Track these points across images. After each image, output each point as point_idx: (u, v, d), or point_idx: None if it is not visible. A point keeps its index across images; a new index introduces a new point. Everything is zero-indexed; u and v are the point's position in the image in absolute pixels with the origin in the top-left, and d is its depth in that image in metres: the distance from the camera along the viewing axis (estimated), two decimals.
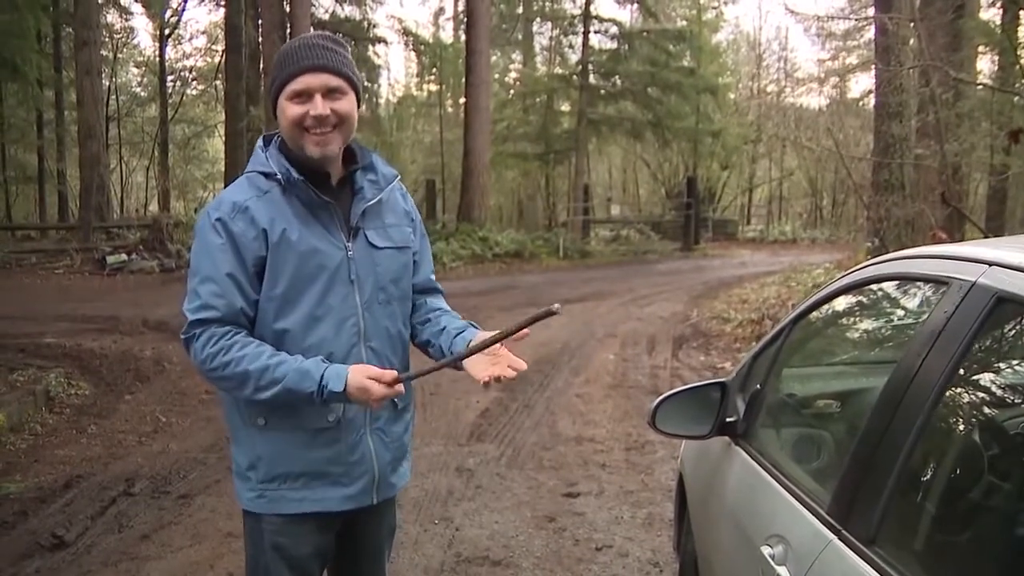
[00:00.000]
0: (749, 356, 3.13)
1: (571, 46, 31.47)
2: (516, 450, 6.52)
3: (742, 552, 2.46)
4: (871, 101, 26.78)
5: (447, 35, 36.66)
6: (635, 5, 30.31)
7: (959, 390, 1.77)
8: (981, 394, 1.81)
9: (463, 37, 27.68)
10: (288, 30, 21.47)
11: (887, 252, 11.34)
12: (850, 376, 2.86)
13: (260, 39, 23.08)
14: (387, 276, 2.48)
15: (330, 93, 2.33)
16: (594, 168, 38.40)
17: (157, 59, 35.39)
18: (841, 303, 2.75)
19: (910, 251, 2.28)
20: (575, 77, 29.51)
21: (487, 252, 22.98)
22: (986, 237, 11.77)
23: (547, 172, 33.30)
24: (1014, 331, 1.73)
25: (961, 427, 1.81)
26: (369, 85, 30.69)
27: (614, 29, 29.47)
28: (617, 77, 29.40)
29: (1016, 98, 12.21)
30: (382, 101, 34.54)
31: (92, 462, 6.35)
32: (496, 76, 33.13)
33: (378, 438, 2.49)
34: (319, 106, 2.30)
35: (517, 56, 36.55)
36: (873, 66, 18.15)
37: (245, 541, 2.55)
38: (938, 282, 1.94)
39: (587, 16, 28.89)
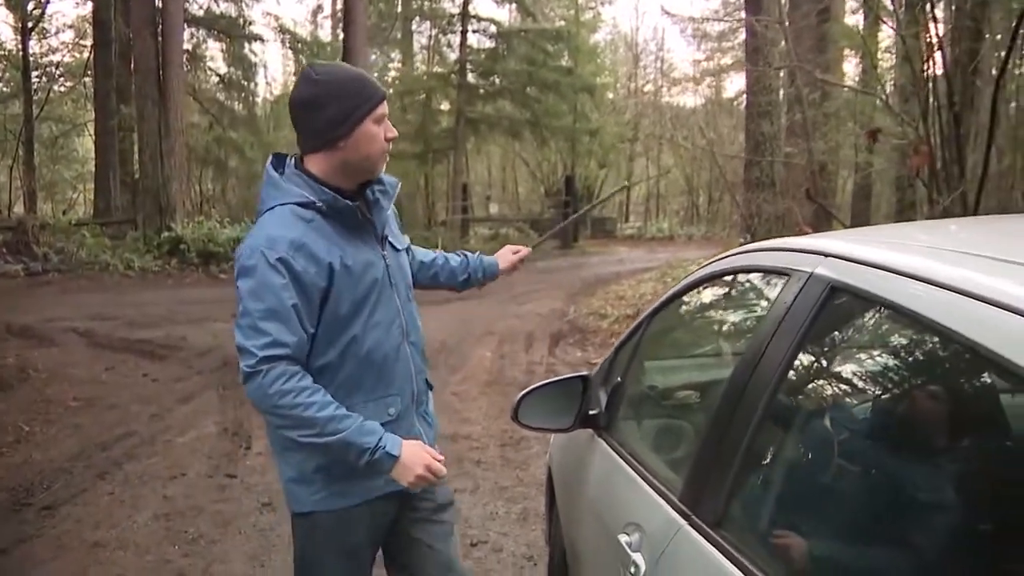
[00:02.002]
0: (612, 350, 3.19)
1: (450, 45, 31.41)
2: None
3: (603, 541, 2.50)
4: (744, 101, 27.44)
5: (325, 33, 36.23)
6: (513, 5, 30.44)
7: (796, 377, 1.84)
8: (817, 380, 1.88)
9: (341, 36, 27.34)
10: (159, 26, 20.91)
11: None
12: (704, 367, 2.93)
13: (131, 35, 22.36)
14: (407, 275, 2.75)
15: None
16: (473, 167, 38.48)
17: (20, 53, 33.95)
18: (696, 296, 2.83)
19: (758, 244, 2.34)
20: (454, 76, 29.46)
21: None
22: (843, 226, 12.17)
23: (426, 171, 33.13)
24: (845, 318, 1.80)
25: (797, 413, 1.88)
26: (245, 84, 30.14)
27: (492, 28, 29.53)
28: (495, 76, 29.43)
29: (877, 100, 12.68)
30: (259, 100, 33.91)
31: None
32: (375, 75, 32.87)
33: (423, 419, 2.74)
34: (393, 129, 2.54)
35: (396, 55, 36.31)
36: (744, 67, 18.66)
37: (295, 544, 2.69)
38: (781, 273, 2.00)
39: (465, 15, 28.82)
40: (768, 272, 2.21)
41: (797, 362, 1.79)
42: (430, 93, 30.71)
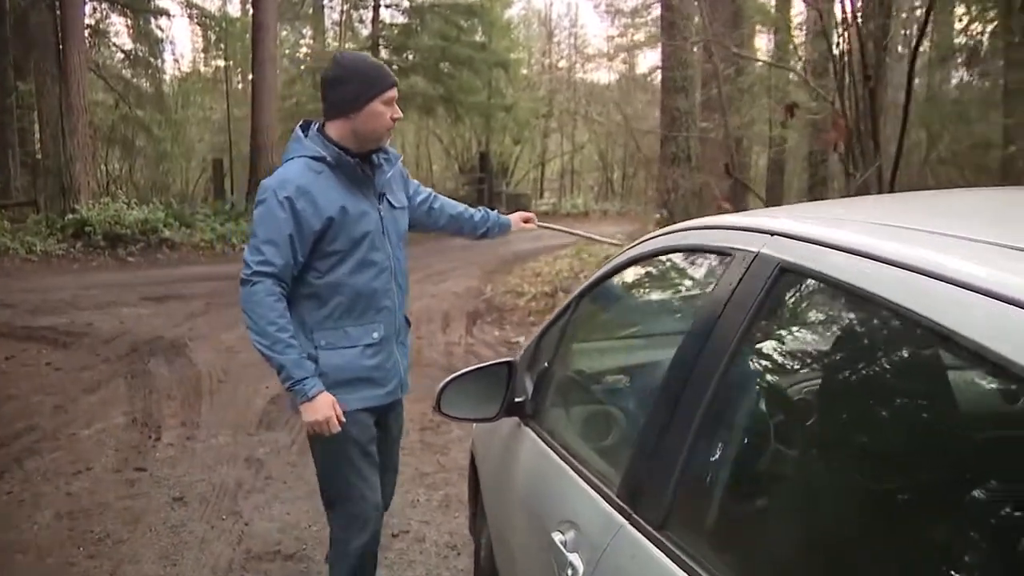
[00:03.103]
0: (536, 334, 3.05)
1: (362, 21, 30.91)
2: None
3: (534, 538, 2.37)
4: (658, 76, 27.60)
5: (234, 9, 35.31)
6: None
7: (745, 363, 1.71)
8: (767, 364, 1.76)
9: (251, 11, 26.65)
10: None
11: (675, 223, 11.62)
12: (639, 351, 2.80)
13: (25, 8, 21.49)
14: (401, 227, 3.41)
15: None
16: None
17: None
18: (628, 276, 2.68)
19: (695, 222, 2.22)
20: (366, 52, 28.99)
21: None
22: (766, 207, 12.27)
23: None
24: (796, 299, 1.68)
25: (748, 401, 1.75)
26: (152, 60, 29.20)
27: (405, 3, 29.13)
28: (409, 52, 29.06)
29: (791, 74, 12.75)
30: (166, 77, 32.91)
31: None
32: (286, 52, 32.21)
33: (400, 349, 3.42)
34: (399, 111, 3.23)
35: (307, 31, 35.62)
36: (660, 42, 18.67)
37: (313, 442, 3.31)
38: (722, 253, 1.88)
39: None
40: (707, 252, 2.08)
41: (746, 347, 1.67)
42: None
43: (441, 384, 2.78)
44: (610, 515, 1.89)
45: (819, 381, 1.64)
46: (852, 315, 1.54)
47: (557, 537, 2.06)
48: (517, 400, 2.80)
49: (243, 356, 9.04)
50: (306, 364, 3.09)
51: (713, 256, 2.01)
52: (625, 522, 1.81)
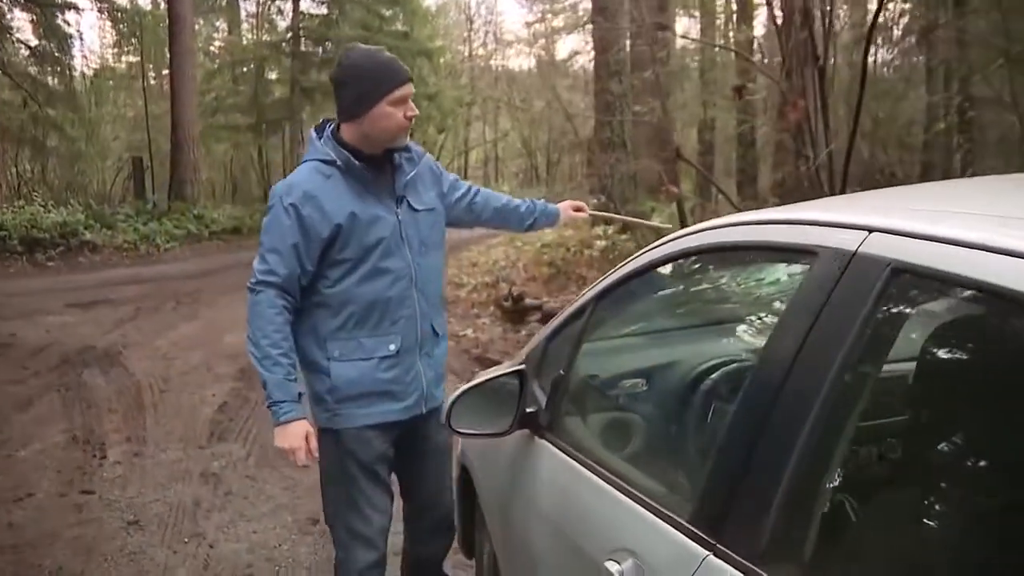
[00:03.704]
0: (541, 338, 2.85)
1: (280, 12, 30.29)
2: (265, 446, 5.90)
3: (571, 563, 2.18)
4: (577, 61, 27.60)
5: (145, 1, 34.37)
6: None
7: (862, 374, 1.52)
8: (890, 378, 1.57)
9: (163, 4, 25.92)
10: None
11: (615, 207, 11.40)
12: (687, 358, 2.58)
13: None
14: (426, 231, 3.13)
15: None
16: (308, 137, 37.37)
17: None
18: (662, 274, 2.48)
19: (745, 216, 2.02)
20: (285, 44, 28.44)
21: (203, 231, 21.70)
22: (718, 191, 12.19)
23: (261, 144, 32.05)
24: (917, 305, 1.50)
25: (868, 416, 1.57)
26: (61, 57, 28.16)
27: None
28: (330, 43, 28.58)
29: (733, 56, 12.73)
30: (76, 74, 31.77)
31: None
32: (201, 45, 31.45)
33: (426, 362, 3.13)
34: (414, 108, 3.01)
35: (221, 24, 34.80)
36: (579, 28, 18.61)
37: (320, 455, 3.03)
38: (800, 251, 1.69)
39: None
40: (774, 249, 1.88)
41: (860, 356, 1.47)
42: (262, 63, 29.53)
43: (451, 399, 2.57)
44: (685, 545, 1.69)
45: (951, 397, 1.47)
46: (993, 323, 1.36)
47: (613, 567, 1.86)
48: (529, 411, 2.60)
49: (180, 363, 8.72)
50: (288, 387, 2.93)
51: (783, 254, 1.82)
52: (708, 553, 1.62)
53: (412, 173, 3.11)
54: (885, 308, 1.45)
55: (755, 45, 18.03)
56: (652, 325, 2.89)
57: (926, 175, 14.02)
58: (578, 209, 3.74)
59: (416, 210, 3.11)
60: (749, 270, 2.12)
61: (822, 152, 7.36)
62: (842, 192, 6.91)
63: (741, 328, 2.13)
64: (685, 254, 2.21)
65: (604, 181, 14.13)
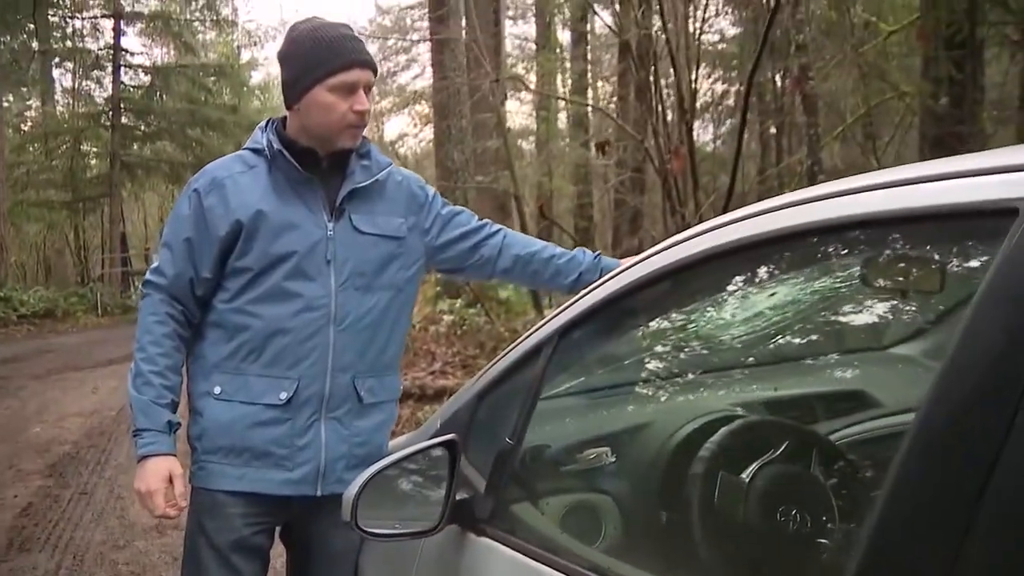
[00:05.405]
0: (468, 396, 2.11)
1: (99, 83, 28.95)
2: (79, 556, 4.98)
3: None
4: (404, 145, 28.08)
5: None
6: (170, 43, 28.73)
7: None
8: None
9: None
10: None
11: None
12: (694, 411, 1.83)
13: None
14: (368, 263, 2.43)
15: (367, 90, 2.40)
16: (130, 216, 35.82)
17: None
18: (653, 298, 1.73)
19: (848, 181, 1.32)
20: (105, 116, 27.18)
21: (11, 314, 20.44)
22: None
23: (77, 222, 30.53)
24: None
25: None
26: None
27: (148, 62, 27.80)
28: (152, 116, 27.54)
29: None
30: None
31: None
32: (10, 120, 29.78)
33: (333, 428, 2.39)
34: (366, 102, 2.38)
35: (33, 101, 33.07)
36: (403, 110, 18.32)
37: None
38: (993, 212, 1.01)
39: (117, 50, 26.79)
40: (938, 218, 1.11)
41: None
42: (78, 136, 28.12)
43: (356, 487, 1.76)
44: None
45: None
46: None
47: None
48: (460, 499, 1.84)
49: None
50: (156, 412, 2.32)
51: (957, 222, 1.10)
52: None
53: (365, 183, 2.45)
54: None
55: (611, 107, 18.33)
56: (639, 371, 2.08)
57: None
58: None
59: (360, 231, 2.44)
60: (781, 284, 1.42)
61: (691, 209, 7.06)
62: None
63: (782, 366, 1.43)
64: (686, 266, 1.50)
65: None
